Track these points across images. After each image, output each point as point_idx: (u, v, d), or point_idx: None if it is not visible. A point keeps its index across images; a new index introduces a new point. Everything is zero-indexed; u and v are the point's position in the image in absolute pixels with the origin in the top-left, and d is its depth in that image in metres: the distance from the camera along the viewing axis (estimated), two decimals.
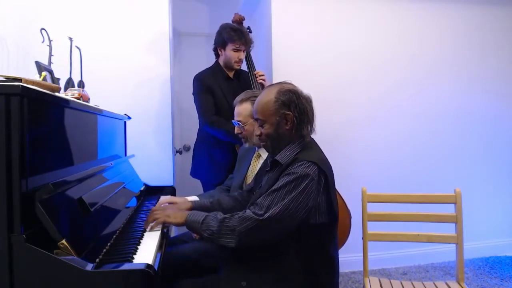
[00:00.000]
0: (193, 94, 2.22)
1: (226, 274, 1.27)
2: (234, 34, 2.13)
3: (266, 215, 1.16)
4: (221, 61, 2.25)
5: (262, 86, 2.22)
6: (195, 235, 1.64)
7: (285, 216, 1.15)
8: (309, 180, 1.18)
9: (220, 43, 2.19)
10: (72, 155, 1.26)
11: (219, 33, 2.19)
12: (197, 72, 2.26)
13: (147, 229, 1.34)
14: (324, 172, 1.23)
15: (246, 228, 1.16)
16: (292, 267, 1.23)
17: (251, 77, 2.24)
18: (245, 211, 1.21)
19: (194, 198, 1.74)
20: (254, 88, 2.19)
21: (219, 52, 2.23)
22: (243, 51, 2.19)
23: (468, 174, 2.87)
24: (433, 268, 2.72)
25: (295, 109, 1.28)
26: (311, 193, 1.18)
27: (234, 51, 2.16)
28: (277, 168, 1.30)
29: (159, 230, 1.36)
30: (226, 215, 1.22)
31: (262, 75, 2.24)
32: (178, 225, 1.31)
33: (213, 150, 2.23)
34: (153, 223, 1.34)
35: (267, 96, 1.31)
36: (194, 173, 2.35)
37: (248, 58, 2.28)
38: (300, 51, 2.62)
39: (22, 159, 0.90)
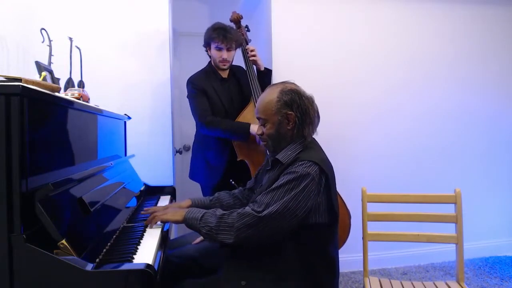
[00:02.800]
0: (187, 97, 2.19)
1: (226, 274, 1.27)
2: (213, 33, 2.08)
3: (265, 212, 1.16)
4: (212, 62, 2.23)
5: (255, 62, 2.21)
6: (195, 241, 1.63)
7: (284, 214, 1.16)
8: (310, 179, 1.18)
9: (205, 44, 2.17)
10: (72, 155, 1.26)
11: (205, 34, 2.16)
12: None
13: (148, 227, 1.37)
14: (325, 172, 1.23)
15: (244, 225, 1.16)
16: (292, 267, 1.23)
17: (245, 64, 2.21)
18: (244, 208, 1.22)
19: None
20: (252, 86, 2.17)
21: (208, 53, 2.21)
22: (227, 50, 2.11)
23: (468, 174, 2.87)
24: (433, 268, 2.72)
25: (297, 109, 1.28)
26: (311, 193, 1.18)
27: (217, 50, 2.11)
28: (278, 167, 1.30)
29: (159, 227, 1.38)
30: (225, 212, 1.23)
31: (253, 50, 2.21)
32: (177, 222, 1.32)
33: (207, 153, 2.22)
34: (153, 220, 1.36)
35: (269, 96, 1.31)
36: (191, 175, 2.35)
37: (244, 51, 2.24)
38: (300, 51, 2.62)
39: (22, 159, 0.90)
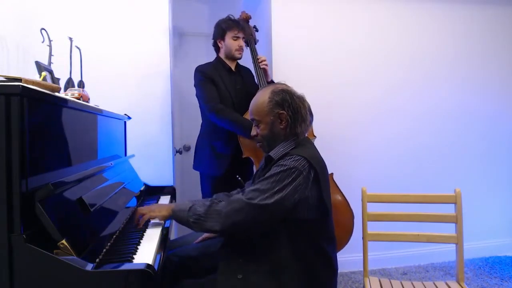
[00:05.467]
0: (194, 86, 2.19)
1: (222, 268, 1.28)
2: (232, 22, 2.19)
3: (252, 201, 1.19)
4: (221, 54, 2.25)
5: (265, 72, 2.23)
6: (197, 240, 1.64)
7: (270, 204, 1.18)
8: (297, 173, 1.21)
9: (219, 34, 2.22)
10: (72, 155, 1.26)
11: (217, 25, 2.23)
12: None
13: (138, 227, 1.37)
14: (313, 167, 1.25)
15: (232, 210, 1.20)
16: (287, 261, 1.25)
17: (255, 69, 2.23)
18: (234, 196, 1.26)
19: None
20: (259, 81, 2.17)
21: (219, 44, 2.24)
22: (242, 39, 2.22)
23: (468, 174, 2.87)
24: (433, 268, 2.72)
25: (288, 108, 1.31)
26: (298, 186, 1.21)
27: (234, 39, 2.19)
28: (271, 164, 1.32)
29: (160, 227, 1.38)
30: (214, 200, 1.28)
31: (264, 60, 2.25)
32: (164, 218, 1.35)
33: (214, 142, 2.21)
34: (142, 219, 1.36)
35: (261, 97, 1.35)
36: (196, 166, 2.32)
37: (252, 49, 2.27)
38: (300, 51, 2.62)
39: (22, 159, 0.90)
